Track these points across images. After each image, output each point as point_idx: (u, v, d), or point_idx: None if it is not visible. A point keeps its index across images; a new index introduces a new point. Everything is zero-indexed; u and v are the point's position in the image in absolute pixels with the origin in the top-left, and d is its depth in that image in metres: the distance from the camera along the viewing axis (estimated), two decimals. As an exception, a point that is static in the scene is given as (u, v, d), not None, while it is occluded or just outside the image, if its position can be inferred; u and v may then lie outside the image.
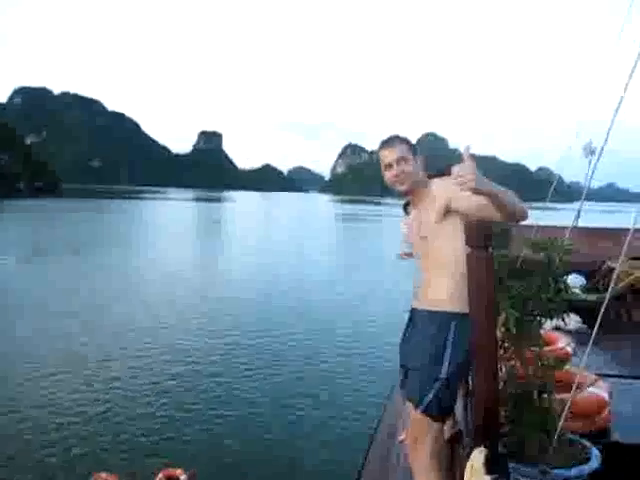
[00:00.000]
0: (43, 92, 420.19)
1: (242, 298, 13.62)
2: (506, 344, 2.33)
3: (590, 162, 2.68)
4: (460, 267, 2.03)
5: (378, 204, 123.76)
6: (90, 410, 6.56)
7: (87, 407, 6.65)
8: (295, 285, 16.02)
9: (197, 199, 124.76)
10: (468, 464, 1.83)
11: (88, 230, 32.74)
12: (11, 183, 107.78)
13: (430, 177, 2.22)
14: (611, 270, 6.50)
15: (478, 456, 1.80)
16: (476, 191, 1.74)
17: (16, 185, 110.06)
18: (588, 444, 2.22)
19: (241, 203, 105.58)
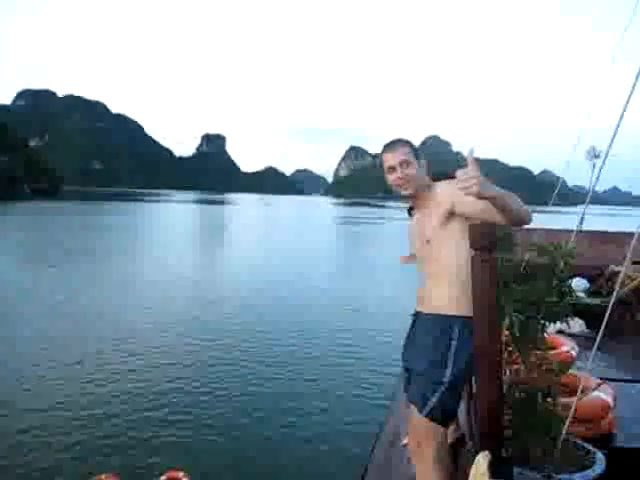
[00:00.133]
0: (47, 95, 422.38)
1: (245, 301, 13.61)
2: (510, 348, 2.33)
3: (594, 166, 2.69)
4: (464, 271, 2.03)
5: (381, 207, 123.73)
6: (91, 412, 6.55)
7: (88, 409, 6.64)
8: (297, 286, 16.01)
9: (199, 201, 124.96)
10: (472, 469, 1.82)
11: (89, 233, 32.79)
12: (13, 185, 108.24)
13: (435, 180, 2.23)
14: (615, 274, 6.50)
15: (482, 461, 1.80)
16: (480, 195, 1.74)
17: (18, 187, 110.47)
18: (593, 448, 2.22)
19: (243, 206, 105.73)
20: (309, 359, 8.86)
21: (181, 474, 4.78)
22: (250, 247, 28.10)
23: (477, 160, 1.74)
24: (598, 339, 2.05)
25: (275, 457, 5.64)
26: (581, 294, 6.40)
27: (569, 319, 2.36)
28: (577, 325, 5.46)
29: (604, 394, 2.90)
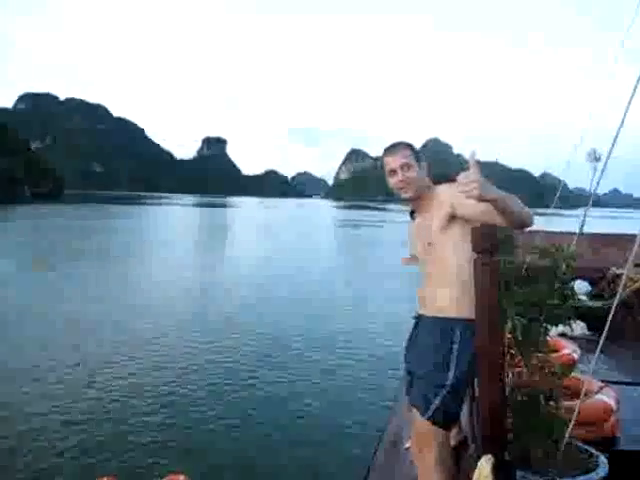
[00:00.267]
0: (48, 98, 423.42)
1: (246, 304, 13.60)
2: (512, 350, 2.32)
3: (595, 168, 2.68)
4: (465, 273, 2.03)
5: (382, 210, 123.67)
6: (91, 414, 6.54)
7: (88, 411, 6.63)
8: (299, 289, 16.00)
9: (200, 205, 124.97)
10: (475, 472, 1.81)
11: (90, 236, 32.82)
12: (14, 188, 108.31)
13: (436, 183, 2.23)
14: (617, 276, 6.48)
15: (485, 464, 1.79)
16: (481, 198, 1.74)
17: (19, 190, 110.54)
18: (595, 452, 2.21)
19: (244, 209, 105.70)
20: (311, 361, 8.85)
21: (182, 477, 4.76)
22: (251, 250, 28.08)
23: (478, 163, 1.74)
24: (600, 342, 2.04)
25: (277, 459, 5.63)
26: (583, 297, 6.39)
27: (571, 322, 2.35)
28: (579, 328, 5.46)
29: (606, 397, 2.89)
